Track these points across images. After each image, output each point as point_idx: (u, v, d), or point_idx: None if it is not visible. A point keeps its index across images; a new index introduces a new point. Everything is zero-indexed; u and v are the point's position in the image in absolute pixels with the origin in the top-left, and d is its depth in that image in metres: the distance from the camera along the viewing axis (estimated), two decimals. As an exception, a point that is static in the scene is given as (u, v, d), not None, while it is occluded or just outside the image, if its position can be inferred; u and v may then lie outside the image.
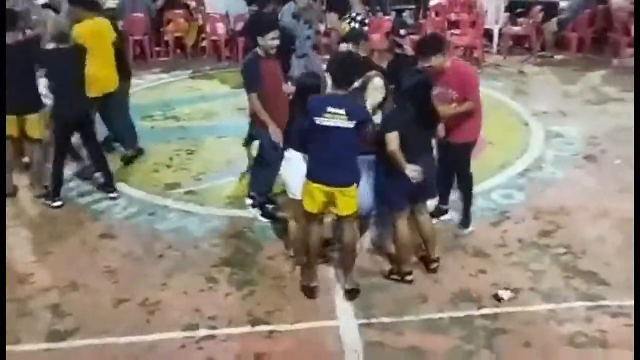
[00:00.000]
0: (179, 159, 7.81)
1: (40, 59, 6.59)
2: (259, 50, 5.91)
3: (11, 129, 6.63)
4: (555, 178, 7.25)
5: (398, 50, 7.04)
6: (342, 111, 4.78)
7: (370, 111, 5.19)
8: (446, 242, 5.88)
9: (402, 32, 7.74)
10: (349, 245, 5.16)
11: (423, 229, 5.46)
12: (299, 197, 5.15)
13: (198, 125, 8.80)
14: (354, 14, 8.28)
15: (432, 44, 5.72)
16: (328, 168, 4.94)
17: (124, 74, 7.38)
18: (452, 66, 5.67)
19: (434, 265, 5.50)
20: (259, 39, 5.86)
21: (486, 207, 6.56)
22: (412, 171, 4.98)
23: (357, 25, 8.08)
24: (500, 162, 7.55)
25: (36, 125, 6.72)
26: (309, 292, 5.25)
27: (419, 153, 5.09)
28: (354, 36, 6.35)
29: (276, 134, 5.81)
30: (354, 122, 4.79)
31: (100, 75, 6.90)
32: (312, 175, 5.01)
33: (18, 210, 6.70)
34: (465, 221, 6.15)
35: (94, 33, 6.85)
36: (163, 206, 6.70)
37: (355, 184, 5.01)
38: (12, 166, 6.91)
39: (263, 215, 6.33)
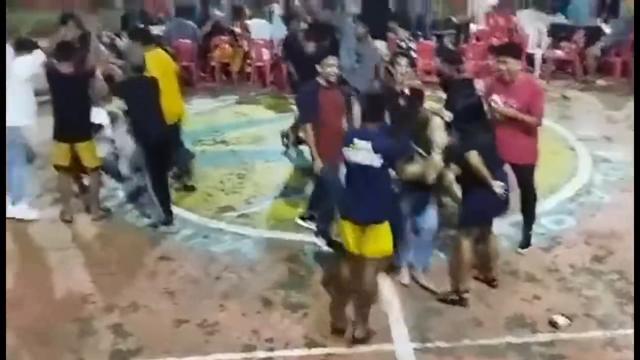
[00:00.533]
0: (230, 182, 7.97)
1: (117, 90, 6.85)
2: (319, 79, 5.98)
3: (64, 157, 6.87)
4: (604, 202, 7.25)
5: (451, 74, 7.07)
6: (369, 144, 4.69)
7: (440, 152, 5.14)
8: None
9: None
10: (367, 291, 4.95)
11: (490, 246, 5.55)
12: None
13: (247, 149, 8.98)
14: (400, 41, 8.43)
15: (512, 48, 5.96)
16: (356, 204, 4.84)
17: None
18: (522, 77, 5.82)
19: (495, 282, 5.59)
20: (318, 67, 5.95)
21: (537, 232, 6.56)
22: (498, 186, 5.08)
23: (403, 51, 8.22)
24: (548, 187, 7.56)
25: (89, 153, 6.93)
26: (338, 333, 5.10)
27: (493, 168, 5.17)
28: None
29: (317, 167, 5.92)
30: (381, 156, 4.67)
31: (168, 104, 7.05)
32: (342, 211, 4.98)
33: (75, 233, 6.89)
34: (525, 242, 6.21)
35: (158, 64, 7.04)
36: (217, 229, 6.85)
37: (385, 222, 4.85)
38: (67, 194, 7.10)
39: (328, 244, 6.25)
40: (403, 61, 6.08)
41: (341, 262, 5.15)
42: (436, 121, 5.28)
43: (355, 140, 4.74)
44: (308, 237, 6.54)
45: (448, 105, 5.62)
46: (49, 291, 5.89)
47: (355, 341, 4.97)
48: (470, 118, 5.25)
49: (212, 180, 8.00)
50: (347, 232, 4.88)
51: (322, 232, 6.29)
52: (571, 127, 9.69)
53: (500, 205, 5.35)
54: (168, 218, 6.77)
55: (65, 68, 6.69)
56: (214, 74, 12.35)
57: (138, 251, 6.50)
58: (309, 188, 7.19)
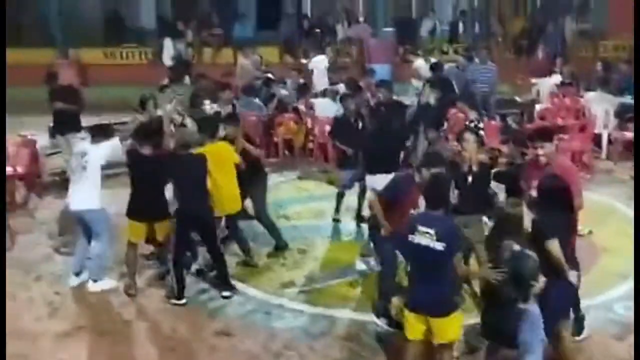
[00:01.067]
0: (292, 258, 7.96)
1: (168, 163, 6.98)
2: (417, 177, 5.93)
3: (140, 235, 7.04)
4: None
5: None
6: (432, 231, 4.73)
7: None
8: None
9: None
10: None
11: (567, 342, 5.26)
12: None
13: (308, 224, 8.99)
14: (469, 122, 8.47)
15: (544, 133, 6.04)
16: (422, 295, 4.86)
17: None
18: (557, 161, 5.87)
19: None
20: (423, 170, 5.84)
21: (609, 319, 6.32)
22: (574, 276, 4.97)
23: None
24: (620, 271, 7.29)
25: (165, 230, 7.03)
26: None
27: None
28: None
29: (386, 231, 5.88)
30: (443, 244, 4.70)
31: (226, 196, 7.25)
32: (409, 302, 4.99)
33: (140, 306, 6.94)
34: (579, 327, 5.90)
35: (215, 156, 7.12)
36: (278, 305, 6.81)
37: (453, 313, 4.88)
38: (134, 269, 7.18)
39: (389, 324, 6.12)
40: (471, 137, 6.19)
41: (405, 345, 5.10)
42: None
43: (420, 227, 4.80)
44: (369, 317, 6.44)
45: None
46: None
47: None
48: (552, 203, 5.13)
49: (275, 256, 7.99)
50: (411, 323, 4.93)
51: (383, 312, 6.15)
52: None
53: (576, 297, 5.18)
54: (180, 294, 6.79)
55: (146, 150, 6.92)
56: (277, 150, 12.54)
57: (198, 326, 6.50)
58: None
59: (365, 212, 7.92)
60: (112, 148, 7.10)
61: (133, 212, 7.00)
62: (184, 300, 6.79)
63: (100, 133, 7.26)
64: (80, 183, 7.03)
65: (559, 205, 5.08)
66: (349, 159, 8.56)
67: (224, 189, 7.23)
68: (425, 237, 4.74)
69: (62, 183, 10.78)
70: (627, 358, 5.69)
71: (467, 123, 8.48)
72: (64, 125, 10.34)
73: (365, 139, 8.24)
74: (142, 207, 6.91)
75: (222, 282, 7.03)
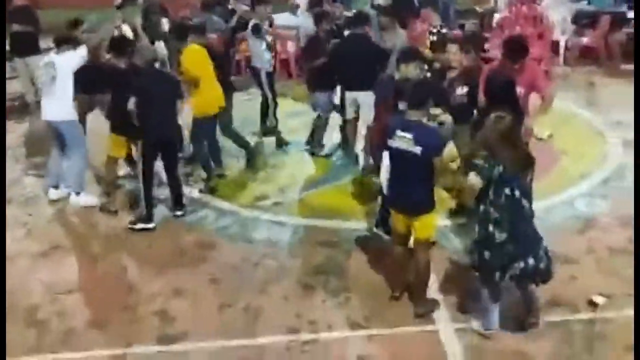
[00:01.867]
0: (264, 172, 8.08)
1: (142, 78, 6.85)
2: (396, 75, 6.23)
3: (121, 149, 7.17)
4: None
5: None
6: (410, 135, 4.88)
7: None
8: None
9: None
10: (422, 271, 5.19)
11: None
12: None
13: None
14: (434, 28, 8.51)
15: (521, 49, 6.20)
16: (401, 196, 5.10)
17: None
18: (528, 64, 6.31)
19: None
20: (402, 66, 6.13)
21: (571, 215, 6.63)
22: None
23: (436, 38, 8.30)
24: (579, 172, 7.60)
25: None
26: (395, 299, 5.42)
27: None
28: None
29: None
30: (421, 148, 4.84)
31: (208, 96, 7.31)
32: (389, 201, 5.29)
33: (114, 225, 7.00)
34: None
35: (196, 58, 7.24)
36: (253, 217, 6.96)
37: (430, 212, 5.11)
38: (114, 186, 7.29)
39: (387, 232, 6.15)
40: (453, 47, 6.50)
41: (394, 245, 5.42)
42: None
43: (398, 132, 4.94)
44: (342, 224, 6.70)
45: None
46: (98, 279, 6.10)
47: (418, 315, 5.18)
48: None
49: (247, 171, 8.11)
50: (395, 219, 5.24)
51: (383, 222, 6.25)
52: (599, 113, 9.68)
53: None
54: (150, 217, 6.76)
55: (122, 63, 6.88)
56: (239, 68, 12.42)
57: (177, 240, 6.64)
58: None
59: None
60: (80, 57, 7.00)
61: (114, 126, 6.99)
62: (152, 224, 6.74)
63: (63, 42, 7.10)
64: (51, 94, 6.97)
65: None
66: (323, 80, 8.25)
67: (208, 88, 7.27)
68: (403, 141, 4.89)
69: (21, 108, 10.66)
70: (588, 250, 6.03)
71: (432, 30, 8.49)
72: (22, 47, 10.10)
73: (343, 56, 7.85)
74: (123, 122, 6.84)
75: (177, 201, 7.02)
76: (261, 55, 8.77)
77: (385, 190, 5.34)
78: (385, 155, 5.19)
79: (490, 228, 4.53)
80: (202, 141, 7.58)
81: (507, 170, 4.47)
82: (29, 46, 10.03)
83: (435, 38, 8.27)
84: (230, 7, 12.48)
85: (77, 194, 7.26)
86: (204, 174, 7.67)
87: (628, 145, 8.36)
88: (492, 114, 4.76)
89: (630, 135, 8.63)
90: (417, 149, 4.85)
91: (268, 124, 9.01)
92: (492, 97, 5.70)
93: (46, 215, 7.20)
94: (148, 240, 6.61)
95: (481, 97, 6.11)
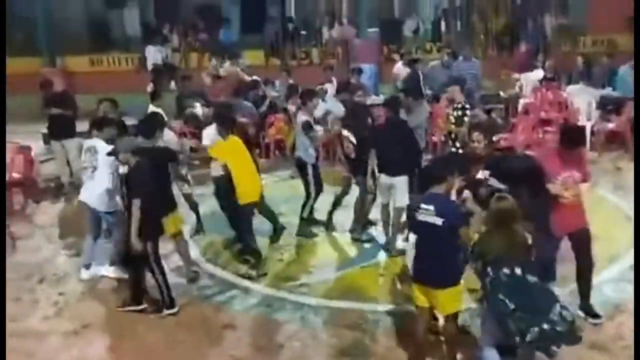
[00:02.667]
0: (290, 253, 8.17)
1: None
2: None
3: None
4: (666, 271, 7.19)
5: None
6: (432, 207, 5.07)
7: None
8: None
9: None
10: (451, 342, 5.38)
11: None
12: None
13: (304, 222, 9.15)
14: (457, 104, 8.72)
15: (580, 136, 6.54)
16: (425, 267, 5.21)
17: None
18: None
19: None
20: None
21: (599, 301, 6.56)
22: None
23: (460, 113, 8.50)
24: (608, 256, 7.55)
25: (175, 223, 7.32)
26: None
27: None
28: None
29: None
30: (442, 219, 5.03)
31: (247, 186, 7.45)
32: (414, 275, 5.36)
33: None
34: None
35: (233, 150, 7.45)
36: (279, 298, 7.00)
37: (454, 286, 5.18)
38: None
39: None
40: (479, 136, 6.58)
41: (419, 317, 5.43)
42: None
43: (422, 205, 5.14)
44: (369, 306, 6.70)
45: None
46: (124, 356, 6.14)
47: None
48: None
49: (272, 251, 8.19)
50: (417, 292, 5.29)
51: None
52: (626, 197, 9.66)
53: None
54: (172, 303, 6.72)
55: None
56: (268, 151, 12.72)
57: (203, 320, 6.68)
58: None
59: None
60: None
61: None
62: (176, 309, 6.69)
63: (101, 124, 7.42)
64: (91, 180, 7.26)
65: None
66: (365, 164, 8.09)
67: (246, 178, 7.44)
68: (426, 214, 5.09)
69: (56, 188, 10.98)
70: (616, 336, 5.95)
71: (456, 105, 8.68)
72: (59, 130, 10.49)
73: (384, 141, 7.90)
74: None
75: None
76: (307, 149, 8.58)
77: (410, 265, 5.42)
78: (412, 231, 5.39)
79: (501, 296, 4.69)
80: (250, 228, 7.66)
81: (498, 251, 4.71)
82: (66, 130, 10.42)
83: (459, 113, 8.46)
84: (261, 93, 12.95)
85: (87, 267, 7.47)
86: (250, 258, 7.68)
87: (656, 230, 8.34)
88: (496, 194, 5.03)
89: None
90: (438, 220, 5.03)
91: (304, 216, 8.74)
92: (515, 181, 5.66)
93: (76, 294, 7.30)
94: (175, 319, 6.66)
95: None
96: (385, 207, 8.02)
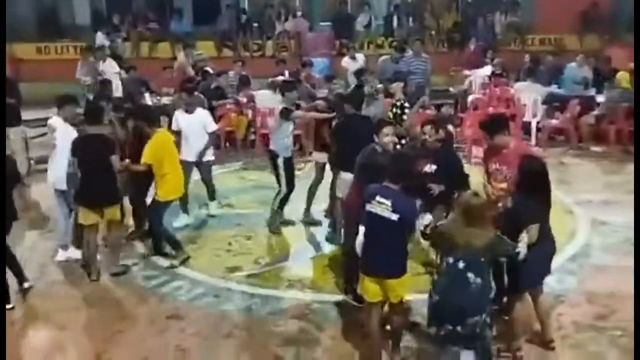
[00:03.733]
0: (238, 244, 8.14)
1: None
2: (376, 146, 6.33)
3: (92, 219, 7.12)
4: (605, 264, 7.41)
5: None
6: (389, 202, 5.12)
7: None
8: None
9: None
10: (397, 330, 5.53)
11: (543, 308, 5.70)
12: None
13: (253, 212, 9.15)
14: (396, 100, 8.76)
15: (497, 123, 6.37)
16: (375, 258, 5.24)
17: None
18: (514, 147, 6.28)
19: (552, 344, 5.70)
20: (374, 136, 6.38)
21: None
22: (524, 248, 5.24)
23: (399, 111, 8.55)
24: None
25: (114, 213, 7.24)
26: None
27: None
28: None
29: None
30: (398, 215, 5.09)
31: (174, 182, 7.45)
32: (363, 267, 5.36)
33: (89, 291, 7.02)
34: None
35: (164, 144, 7.38)
36: (226, 288, 6.98)
37: (404, 275, 5.27)
38: (94, 254, 7.26)
39: (354, 299, 6.36)
40: (428, 128, 6.80)
41: (369, 310, 5.47)
42: None
43: (378, 198, 5.15)
44: (315, 296, 6.75)
45: None
46: (65, 348, 6.03)
47: None
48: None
49: (221, 242, 8.17)
50: (367, 286, 5.31)
51: (351, 289, 6.45)
52: (569, 191, 9.91)
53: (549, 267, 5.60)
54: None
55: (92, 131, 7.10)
56: (219, 142, 12.63)
57: (147, 310, 6.62)
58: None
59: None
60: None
61: (84, 199, 7.12)
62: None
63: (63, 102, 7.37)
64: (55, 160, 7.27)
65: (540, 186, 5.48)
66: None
67: (174, 174, 7.40)
68: (382, 207, 5.12)
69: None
70: (555, 325, 6.08)
71: (394, 102, 8.72)
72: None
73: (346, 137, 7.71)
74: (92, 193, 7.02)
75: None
76: (283, 140, 8.32)
77: (360, 255, 5.41)
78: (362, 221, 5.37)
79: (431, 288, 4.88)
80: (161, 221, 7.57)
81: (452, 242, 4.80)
82: (10, 118, 10.17)
83: (398, 111, 8.54)
84: (214, 84, 12.85)
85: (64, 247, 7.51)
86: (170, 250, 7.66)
87: (596, 224, 8.58)
88: (470, 191, 5.06)
89: (598, 214, 8.89)
90: (394, 216, 5.07)
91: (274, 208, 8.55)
92: (525, 185, 5.53)
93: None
94: (119, 308, 6.60)
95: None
96: (337, 201, 7.87)
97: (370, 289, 5.31)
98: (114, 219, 7.26)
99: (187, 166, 8.27)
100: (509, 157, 6.06)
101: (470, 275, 4.75)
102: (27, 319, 6.47)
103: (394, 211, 5.08)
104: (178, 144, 8.05)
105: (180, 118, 8.61)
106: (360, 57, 14.63)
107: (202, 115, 8.70)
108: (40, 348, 6.04)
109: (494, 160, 6.22)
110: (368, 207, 5.22)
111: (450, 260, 4.83)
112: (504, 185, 6.08)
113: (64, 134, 7.21)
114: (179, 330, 6.20)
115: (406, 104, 8.70)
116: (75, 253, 7.54)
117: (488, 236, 4.84)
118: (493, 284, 5.14)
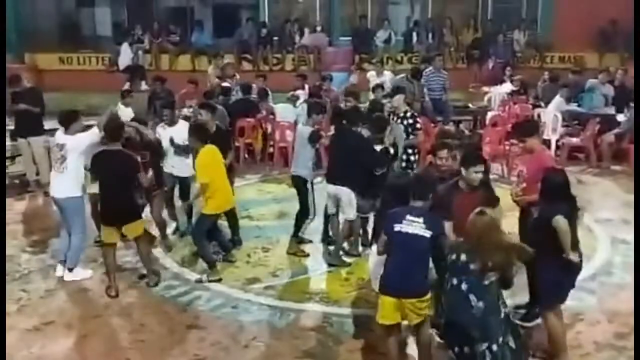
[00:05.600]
0: (256, 256, 8.18)
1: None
2: (460, 182, 5.96)
3: (113, 237, 7.15)
4: (625, 283, 7.36)
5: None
6: (421, 220, 5.19)
7: None
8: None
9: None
10: (425, 347, 5.47)
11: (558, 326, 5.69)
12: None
13: (271, 224, 9.20)
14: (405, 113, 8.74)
15: (530, 127, 6.68)
16: (400, 278, 5.22)
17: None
18: (538, 152, 6.52)
19: None
20: (463, 171, 5.91)
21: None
22: (575, 257, 5.36)
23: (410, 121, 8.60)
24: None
25: (134, 230, 7.18)
26: None
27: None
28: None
29: None
30: (431, 232, 5.16)
31: (222, 195, 7.41)
32: (388, 288, 5.32)
33: (110, 300, 7.07)
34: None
35: (213, 159, 7.36)
36: (245, 300, 7.01)
37: (428, 293, 5.28)
38: (113, 269, 7.23)
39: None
40: (443, 153, 6.56)
41: (385, 336, 5.50)
42: None
43: (409, 217, 5.22)
44: (333, 309, 6.76)
45: None
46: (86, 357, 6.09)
47: None
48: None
49: (239, 254, 8.18)
50: (386, 307, 5.29)
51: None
52: (588, 210, 9.84)
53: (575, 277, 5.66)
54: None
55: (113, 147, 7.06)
56: (238, 154, 12.70)
57: (167, 319, 6.66)
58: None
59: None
60: (91, 136, 7.25)
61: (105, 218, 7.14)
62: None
63: (66, 119, 7.36)
64: (60, 173, 7.24)
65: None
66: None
67: (221, 187, 7.40)
68: (414, 226, 5.18)
69: (21, 186, 10.85)
70: (575, 344, 6.07)
71: (401, 115, 8.72)
72: (27, 127, 10.36)
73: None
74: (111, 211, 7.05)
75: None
76: (307, 163, 7.98)
77: (381, 276, 5.40)
78: (381, 240, 5.43)
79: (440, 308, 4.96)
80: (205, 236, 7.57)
81: (474, 261, 4.79)
82: (33, 127, 10.32)
83: (408, 122, 8.60)
84: (233, 96, 12.95)
85: (70, 270, 7.37)
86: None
87: (615, 242, 8.53)
88: (476, 209, 5.03)
89: (618, 232, 8.83)
90: (427, 233, 5.15)
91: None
92: (549, 196, 5.65)
93: (40, 292, 7.23)
94: (139, 318, 6.64)
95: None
96: (333, 217, 7.95)
97: (387, 314, 5.29)
98: (137, 234, 7.20)
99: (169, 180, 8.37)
100: (535, 161, 6.37)
101: (473, 298, 4.81)
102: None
103: (427, 228, 5.16)
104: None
105: (162, 132, 8.49)
106: (387, 74, 14.65)
107: (183, 129, 8.28)
108: (60, 356, 6.08)
109: (521, 162, 6.56)
110: (397, 227, 5.23)
111: (454, 281, 4.89)
112: (524, 185, 6.32)
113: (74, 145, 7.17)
114: (199, 339, 6.23)
115: (418, 119, 8.76)
116: (84, 273, 7.48)
117: (502, 252, 4.83)
118: (503, 309, 4.98)
